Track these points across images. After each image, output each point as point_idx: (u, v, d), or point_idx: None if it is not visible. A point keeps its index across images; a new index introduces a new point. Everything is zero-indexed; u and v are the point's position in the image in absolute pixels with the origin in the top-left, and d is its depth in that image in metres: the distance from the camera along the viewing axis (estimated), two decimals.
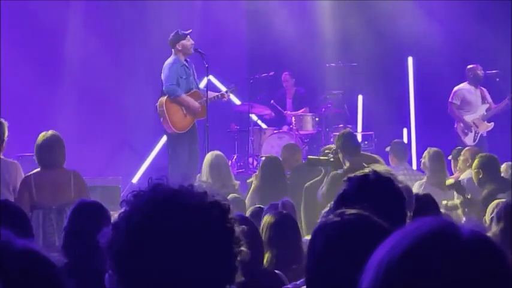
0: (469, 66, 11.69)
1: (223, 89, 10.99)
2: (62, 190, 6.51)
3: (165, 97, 9.93)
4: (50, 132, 6.74)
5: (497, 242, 1.29)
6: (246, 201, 8.00)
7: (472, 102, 11.61)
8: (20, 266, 1.30)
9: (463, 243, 1.25)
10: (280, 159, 9.08)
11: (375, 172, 2.95)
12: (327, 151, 8.11)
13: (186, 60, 10.08)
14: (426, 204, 4.40)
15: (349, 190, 2.89)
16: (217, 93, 10.39)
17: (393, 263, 1.25)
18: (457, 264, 1.23)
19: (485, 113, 11.58)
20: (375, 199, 2.79)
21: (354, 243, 2.19)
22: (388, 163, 9.36)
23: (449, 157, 9.54)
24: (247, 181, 9.13)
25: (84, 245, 3.91)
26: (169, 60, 10.01)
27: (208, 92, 10.05)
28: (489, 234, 3.98)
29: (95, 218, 4.04)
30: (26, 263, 1.31)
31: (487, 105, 11.62)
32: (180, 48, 9.96)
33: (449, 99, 11.61)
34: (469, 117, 11.57)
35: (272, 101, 12.55)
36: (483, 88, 11.72)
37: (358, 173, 2.99)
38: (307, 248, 2.32)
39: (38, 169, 6.64)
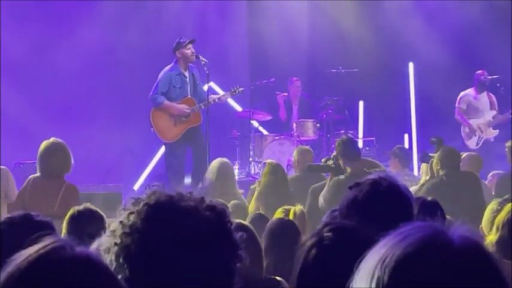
0: (476, 72, 11.78)
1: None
2: (48, 201, 6.26)
3: (153, 108, 10.10)
4: (52, 140, 6.64)
5: (488, 248, 1.30)
6: (249, 207, 7.98)
7: (478, 108, 11.68)
8: (76, 272, 1.31)
9: (455, 252, 1.25)
10: (293, 161, 9.17)
11: (385, 179, 2.91)
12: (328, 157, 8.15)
13: (190, 67, 10.12)
14: (434, 209, 4.33)
15: (360, 196, 2.84)
16: (217, 95, 10.44)
17: (386, 274, 1.25)
18: (451, 272, 1.24)
19: (491, 120, 11.62)
20: (385, 206, 2.79)
21: (330, 264, 2.17)
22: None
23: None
24: (251, 187, 9.08)
25: None
26: (166, 68, 10.10)
27: (210, 95, 10.13)
28: (485, 240, 3.95)
29: (90, 226, 4.02)
30: (82, 269, 1.32)
31: (495, 112, 11.66)
32: (179, 56, 10.02)
33: (456, 104, 11.75)
34: (473, 122, 11.65)
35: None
36: (491, 94, 11.77)
37: (368, 179, 2.92)
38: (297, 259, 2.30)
39: (38, 174, 6.60)
